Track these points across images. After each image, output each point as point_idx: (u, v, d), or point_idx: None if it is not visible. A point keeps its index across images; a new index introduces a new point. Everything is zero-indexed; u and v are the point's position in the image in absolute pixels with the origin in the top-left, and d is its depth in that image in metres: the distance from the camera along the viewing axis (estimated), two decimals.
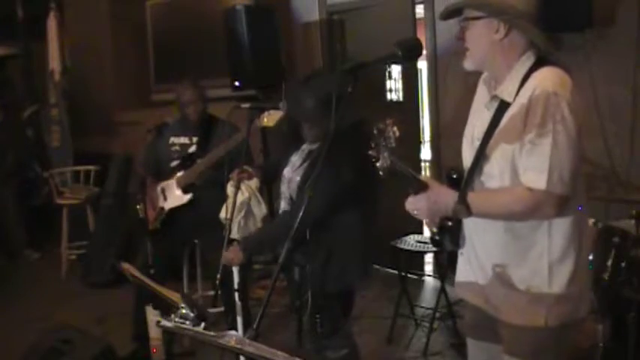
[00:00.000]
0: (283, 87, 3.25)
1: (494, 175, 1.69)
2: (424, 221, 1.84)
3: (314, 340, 2.57)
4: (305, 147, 2.55)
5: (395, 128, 1.59)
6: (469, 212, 1.64)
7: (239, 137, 3.27)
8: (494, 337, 1.84)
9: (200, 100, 3.57)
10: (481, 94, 1.84)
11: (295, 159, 2.55)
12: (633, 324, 2.62)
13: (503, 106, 1.67)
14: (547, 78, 1.61)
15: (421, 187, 1.66)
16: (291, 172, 2.53)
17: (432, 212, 1.70)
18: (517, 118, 1.62)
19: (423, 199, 1.66)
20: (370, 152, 1.59)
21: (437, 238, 1.78)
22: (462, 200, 1.63)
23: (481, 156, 1.70)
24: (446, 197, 1.66)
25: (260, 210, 2.82)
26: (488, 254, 1.76)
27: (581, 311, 1.74)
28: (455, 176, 1.77)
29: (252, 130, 2.97)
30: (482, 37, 1.68)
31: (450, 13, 1.75)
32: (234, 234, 2.70)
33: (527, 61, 1.68)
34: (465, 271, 1.87)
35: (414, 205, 1.69)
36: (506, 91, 1.68)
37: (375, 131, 1.59)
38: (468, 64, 1.76)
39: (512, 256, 1.72)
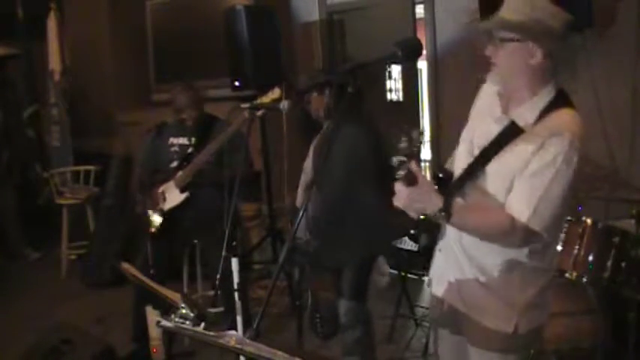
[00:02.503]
0: (284, 87, 3.25)
1: (487, 193, 1.70)
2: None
3: (328, 324, 2.69)
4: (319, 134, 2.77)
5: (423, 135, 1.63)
6: (448, 221, 1.65)
7: (230, 131, 3.27)
8: (460, 330, 1.89)
9: (194, 104, 3.56)
10: (490, 103, 1.81)
11: (315, 144, 2.76)
12: (633, 324, 2.62)
13: (514, 130, 1.67)
14: (570, 125, 1.62)
15: (410, 180, 1.63)
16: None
17: (408, 207, 1.68)
18: (528, 150, 1.62)
19: (405, 191, 1.63)
20: (402, 130, 1.59)
21: (413, 233, 1.80)
22: (446, 208, 1.62)
23: (478, 169, 1.71)
24: (429, 200, 1.64)
25: None
26: (467, 255, 1.79)
27: (545, 316, 1.82)
28: (441, 176, 1.79)
29: (248, 125, 2.98)
30: (515, 59, 1.66)
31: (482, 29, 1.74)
32: None
33: (550, 93, 1.67)
34: (442, 267, 1.89)
35: (398, 192, 1.66)
36: (524, 118, 1.67)
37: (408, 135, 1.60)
38: (495, 80, 1.76)
39: (490, 261, 1.75)
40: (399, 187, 1.65)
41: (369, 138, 2.78)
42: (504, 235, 1.65)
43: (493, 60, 1.70)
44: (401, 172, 1.59)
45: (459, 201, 1.70)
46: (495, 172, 1.68)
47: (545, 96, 1.67)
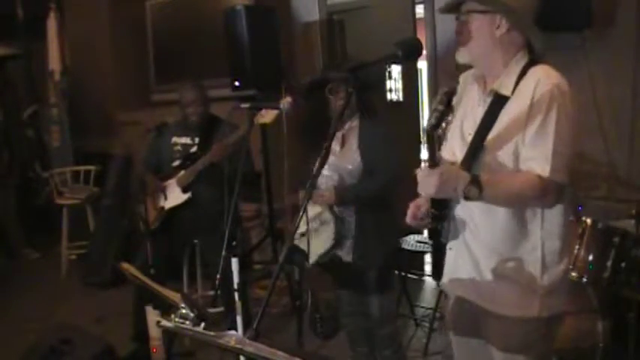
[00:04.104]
0: (283, 87, 3.26)
1: (495, 167, 1.70)
2: (407, 219, 1.83)
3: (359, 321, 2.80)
4: (338, 134, 2.69)
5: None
6: (480, 194, 1.60)
7: (236, 135, 3.29)
8: (477, 332, 1.87)
9: (201, 101, 3.59)
10: (470, 91, 1.85)
11: (334, 145, 2.68)
12: (633, 324, 2.62)
13: (500, 100, 1.70)
14: (548, 73, 1.66)
15: (434, 163, 1.59)
16: (335, 158, 2.67)
17: (440, 188, 1.60)
18: (520, 111, 1.65)
19: (434, 173, 1.57)
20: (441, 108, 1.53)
21: (430, 226, 1.78)
22: (475, 181, 1.59)
23: (479, 149, 1.71)
24: (457, 176, 1.61)
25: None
26: (483, 248, 1.78)
27: (564, 304, 1.80)
28: None
29: (251, 129, 2.99)
30: (482, 32, 1.71)
31: (451, 7, 1.77)
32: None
33: (522, 59, 1.72)
34: (456, 266, 1.87)
35: (425, 177, 1.60)
36: (504, 86, 1.71)
37: (440, 95, 1.56)
38: (462, 57, 1.78)
39: (507, 249, 1.74)
40: (425, 171, 1.59)
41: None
42: (537, 196, 1.64)
43: (460, 38, 1.74)
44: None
45: (482, 174, 1.66)
46: (496, 143, 1.69)
47: (518, 63, 1.72)
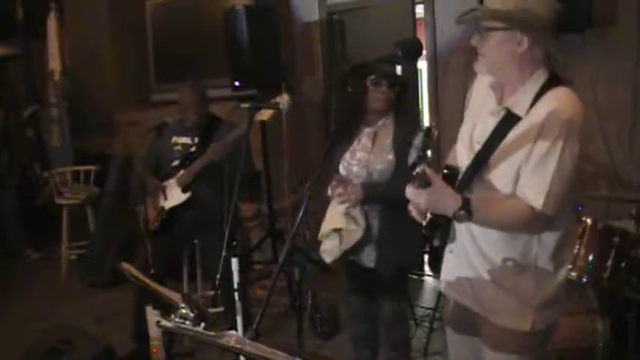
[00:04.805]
0: (283, 87, 3.26)
1: (496, 186, 1.69)
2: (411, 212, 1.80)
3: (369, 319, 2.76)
4: (369, 130, 2.65)
5: (437, 131, 1.59)
6: (470, 219, 1.62)
7: (235, 134, 3.29)
8: (476, 330, 1.87)
9: (200, 101, 3.59)
10: (484, 97, 1.81)
11: (365, 141, 2.65)
12: (633, 324, 2.62)
13: (511, 118, 1.66)
14: (565, 104, 1.61)
15: (426, 182, 1.60)
16: (367, 154, 2.63)
17: (429, 208, 1.66)
18: (529, 136, 1.61)
19: (424, 193, 1.60)
20: (421, 153, 1.58)
21: (424, 232, 1.78)
22: (466, 206, 1.60)
23: (483, 164, 1.70)
24: (448, 199, 1.62)
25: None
26: (481, 255, 1.77)
27: (560, 311, 1.81)
28: (447, 172, 1.76)
29: (250, 128, 2.99)
30: (502, 48, 1.65)
31: (469, 20, 1.71)
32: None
33: (541, 77, 1.67)
34: (454, 268, 1.87)
35: (414, 196, 1.64)
36: (518, 105, 1.66)
37: (424, 131, 1.59)
38: (480, 69, 1.74)
39: (502, 260, 1.73)
40: (414, 191, 1.61)
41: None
42: (525, 225, 1.65)
43: (479, 50, 1.69)
44: (418, 173, 1.54)
45: (474, 197, 1.67)
46: (500, 163, 1.67)
47: (537, 81, 1.66)
